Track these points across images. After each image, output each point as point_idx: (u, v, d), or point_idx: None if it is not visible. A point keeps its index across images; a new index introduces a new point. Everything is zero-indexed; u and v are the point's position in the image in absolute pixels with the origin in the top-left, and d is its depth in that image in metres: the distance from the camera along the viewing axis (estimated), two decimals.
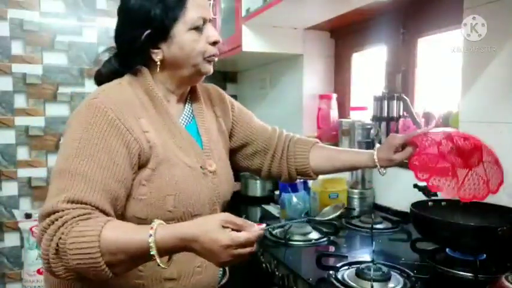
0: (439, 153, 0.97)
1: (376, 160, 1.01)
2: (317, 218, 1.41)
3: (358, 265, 0.98)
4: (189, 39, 0.90)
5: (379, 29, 1.75)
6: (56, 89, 2.44)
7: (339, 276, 0.95)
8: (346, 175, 1.65)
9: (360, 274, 0.93)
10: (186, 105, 1.01)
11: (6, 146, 2.35)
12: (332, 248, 1.22)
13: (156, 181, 0.85)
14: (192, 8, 0.89)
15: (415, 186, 1.22)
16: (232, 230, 0.72)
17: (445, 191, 0.97)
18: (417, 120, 1.47)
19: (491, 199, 1.10)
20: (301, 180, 1.17)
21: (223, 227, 0.71)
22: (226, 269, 1.05)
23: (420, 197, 1.19)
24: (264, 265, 1.18)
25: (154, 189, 0.84)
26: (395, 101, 1.55)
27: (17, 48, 2.34)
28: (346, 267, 1.01)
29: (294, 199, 1.47)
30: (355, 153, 1.11)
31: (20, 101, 2.37)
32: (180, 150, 0.91)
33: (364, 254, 1.13)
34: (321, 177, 1.55)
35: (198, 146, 0.96)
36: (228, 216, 0.73)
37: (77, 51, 2.45)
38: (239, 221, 0.73)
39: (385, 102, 1.56)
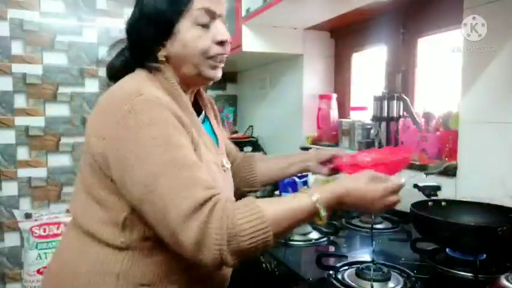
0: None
1: (311, 169, 1.14)
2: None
3: (358, 265, 0.98)
4: (193, 36, 0.83)
5: (379, 29, 1.75)
6: (56, 89, 2.44)
7: (339, 276, 0.95)
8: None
9: (360, 274, 0.93)
10: (200, 107, 1.00)
11: (6, 146, 2.35)
12: (332, 248, 1.22)
13: None
14: (198, 1, 0.83)
15: (415, 186, 1.22)
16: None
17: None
18: (417, 120, 1.47)
19: (491, 199, 1.10)
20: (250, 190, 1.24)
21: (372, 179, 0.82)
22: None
23: (420, 197, 1.19)
24: (264, 265, 1.18)
25: None
26: (395, 101, 1.55)
27: (17, 48, 2.34)
28: (346, 267, 1.01)
29: None
30: (292, 163, 1.16)
31: (20, 101, 2.37)
32: (206, 147, 0.89)
33: (364, 254, 1.13)
34: (320, 177, 1.56)
35: (215, 144, 0.96)
36: (373, 173, 0.84)
37: (77, 51, 2.45)
38: (381, 175, 0.84)
39: (385, 102, 1.56)
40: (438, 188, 1.21)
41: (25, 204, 2.41)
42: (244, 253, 0.70)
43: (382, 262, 1.00)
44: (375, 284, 0.89)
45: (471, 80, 1.22)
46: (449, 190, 1.26)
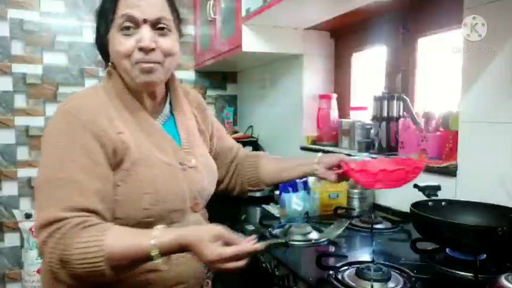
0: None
1: (317, 175, 1.12)
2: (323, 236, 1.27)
3: (358, 265, 0.97)
4: (116, 42, 0.87)
5: (379, 29, 1.75)
6: (56, 89, 2.44)
7: (339, 276, 0.95)
8: None
9: (360, 274, 0.93)
10: (166, 104, 1.01)
11: (6, 146, 2.35)
12: (332, 248, 1.22)
13: (132, 181, 0.85)
14: (122, 7, 0.86)
15: (415, 186, 1.22)
16: (226, 243, 0.76)
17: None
18: (417, 120, 1.47)
19: (491, 199, 1.10)
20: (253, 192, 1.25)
21: (215, 241, 0.75)
22: None
23: (420, 197, 1.19)
24: (264, 265, 1.18)
25: (130, 188, 0.85)
26: (395, 101, 1.55)
27: (17, 48, 2.34)
28: (346, 267, 1.01)
29: (294, 199, 1.46)
30: (299, 165, 1.16)
31: (20, 101, 2.37)
32: (156, 148, 0.91)
33: (364, 254, 1.13)
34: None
35: (175, 143, 0.97)
36: (220, 230, 0.77)
37: (77, 51, 2.45)
38: (230, 236, 0.77)
39: (385, 102, 1.56)
40: (438, 188, 1.21)
41: (25, 204, 2.41)
42: (80, 277, 0.75)
43: (382, 262, 1.00)
44: (375, 284, 0.89)
45: (471, 80, 1.22)
46: (449, 190, 1.26)
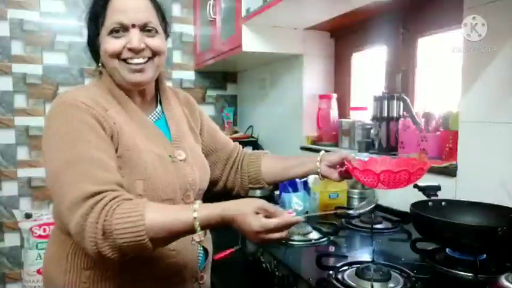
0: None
1: (320, 173, 1.12)
2: (350, 212, 1.27)
3: (358, 265, 0.97)
4: (106, 43, 0.92)
5: (379, 29, 1.75)
6: (56, 89, 2.43)
7: (339, 276, 0.95)
8: None
9: (360, 274, 0.93)
10: (158, 105, 1.06)
11: (6, 146, 2.35)
12: (332, 248, 1.22)
13: (124, 167, 0.88)
14: (110, 13, 0.92)
15: (415, 186, 1.22)
16: (266, 216, 0.79)
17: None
18: (417, 120, 1.47)
19: (491, 199, 1.10)
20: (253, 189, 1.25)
21: (257, 213, 0.79)
22: (209, 250, 1.07)
23: (420, 197, 1.19)
24: (264, 265, 1.18)
25: (124, 174, 0.87)
26: (395, 101, 1.55)
27: (17, 48, 2.34)
28: (346, 267, 1.01)
29: (294, 199, 1.46)
30: (301, 163, 1.16)
31: (20, 101, 2.37)
32: (147, 140, 0.94)
33: (364, 254, 1.13)
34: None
35: (166, 138, 1.00)
36: (262, 203, 0.80)
37: (77, 51, 2.45)
38: (271, 208, 0.80)
39: (385, 102, 1.56)
40: (438, 188, 1.21)
41: (25, 204, 2.41)
42: (122, 250, 0.75)
43: (382, 262, 1.00)
44: (375, 284, 0.89)
45: (471, 80, 1.22)
46: (449, 190, 1.26)
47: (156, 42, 0.95)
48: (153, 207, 0.78)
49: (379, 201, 1.64)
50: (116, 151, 0.88)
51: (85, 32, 1.01)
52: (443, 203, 1.16)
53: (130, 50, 0.92)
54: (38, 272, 2.22)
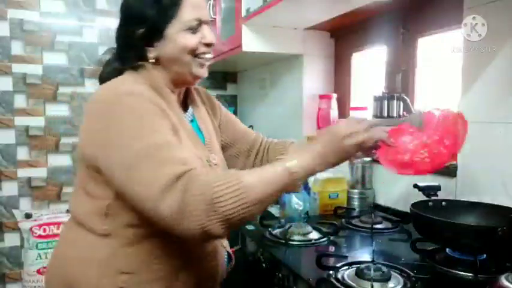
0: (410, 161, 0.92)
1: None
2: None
3: (358, 265, 0.97)
4: (182, 39, 0.90)
5: (379, 29, 1.74)
6: (56, 89, 2.44)
7: (339, 276, 0.95)
8: (346, 175, 1.65)
9: (360, 274, 0.93)
10: (188, 106, 1.04)
11: (6, 146, 2.35)
12: (332, 248, 1.22)
13: None
14: (187, 8, 0.90)
15: (415, 186, 1.22)
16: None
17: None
18: None
19: (491, 199, 1.11)
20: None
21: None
22: (231, 254, 1.06)
23: (420, 197, 1.20)
24: (264, 265, 1.18)
25: None
26: (395, 101, 1.55)
27: (17, 48, 2.34)
28: (346, 267, 1.01)
29: (294, 199, 1.46)
30: None
31: (20, 101, 2.37)
32: (190, 141, 0.93)
33: (364, 254, 1.13)
34: (320, 177, 1.56)
35: (201, 141, 0.99)
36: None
37: (77, 51, 2.45)
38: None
39: (385, 102, 1.56)
40: (438, 188, 1.21)
41: (25, 204, 2.41)
42: (228, 220, 0.71)
43: (382, 262, 1.00)
44: (375, 284, 0.89)
45: (471, 80, 1.22)
46: (449, 190, 1.26)
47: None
48: (245, 171, 0.77)
49: (379, 201, 1.64)
50: None
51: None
52: (443, 203, 1.16)
53: (206, 45, 0.92)
54: (38, 272, 2.22)
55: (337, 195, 1.58)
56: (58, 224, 2.28)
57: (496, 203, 1.09)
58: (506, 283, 0.74)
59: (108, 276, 0.84)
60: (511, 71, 1.11)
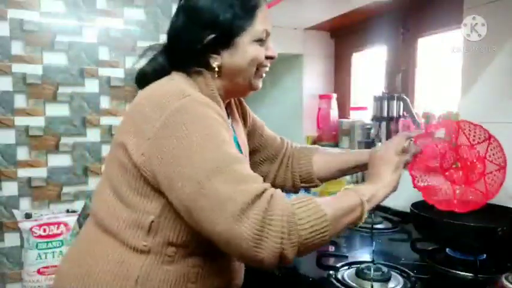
0: (440, 168, 1.01)
1: None
2: None
3: (358, 265, 0.98)
4: (252, 50, 0.87)
5: (379, 29, 1.75)
6: (56, 89, 2.43)
7: (339, 276, 0.95)
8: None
9: (360, 274, 0.93)
10: (228, 117, 0.99)
11: (6, 146, 2.35)
12: (332, 248, 1.22)
13: None
14: (260, 19, 0.89)
15: (415, 186, 1.22)
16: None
17: (440, 204, 1.00)
18: (417, 120, 1.47)
19: (491, 199, 1.10)
20: (305, 188, 1.18)
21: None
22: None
23: (420, 197, 1.19)
24: None
25: None
26: (395, 101, 1.55)
27: (17, 48, 2.33)
28: (346, 267, 1.01)
29: None
30: (359, 153, 1.09)
31: (20, 101, 2.36)
32: None
33: (364, 254, 1.13)
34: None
35: (241, 154, 0.96)
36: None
37: (77, 51, 2.45)
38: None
39: (385, 102, 1.56)
40: None
41: (25, 204, 2.40)
42: (304, 245, 0.68)
43: (382, 262, 1.00)
44: (375, 284, 0.89)
45: (471, 80, 1.22)
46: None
47: None
48: (320, 200, 0.75)
49: None
50: None
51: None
52: None
53: (268, 58, 0.91)
54: (38, 272, 2.22)
55: None
56: (58, 224, 2.28)
57: (496, 203, 1.09)
58: (506, 283, 0.74)
59: None
60: (511, 71, 1.11)
